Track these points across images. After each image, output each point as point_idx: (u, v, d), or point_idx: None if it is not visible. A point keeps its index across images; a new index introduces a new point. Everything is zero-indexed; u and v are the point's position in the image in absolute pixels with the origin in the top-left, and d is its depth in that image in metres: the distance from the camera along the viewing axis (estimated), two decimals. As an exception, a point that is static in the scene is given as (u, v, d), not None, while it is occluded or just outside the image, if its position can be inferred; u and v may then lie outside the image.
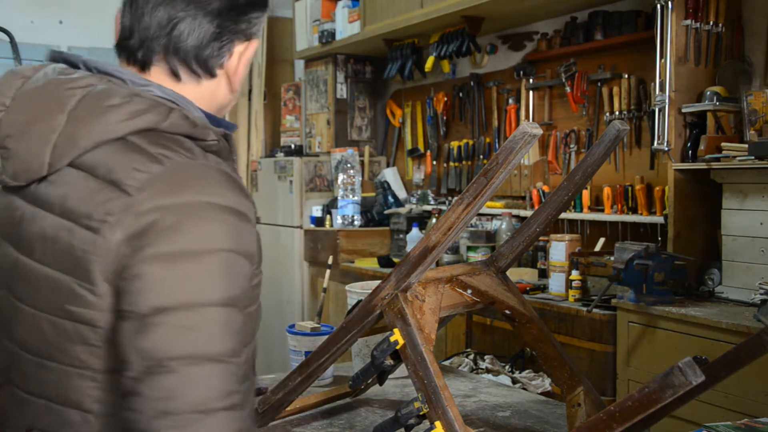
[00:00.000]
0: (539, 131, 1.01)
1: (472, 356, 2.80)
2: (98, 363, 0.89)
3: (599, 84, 3.25)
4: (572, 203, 3.20)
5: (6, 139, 0.93)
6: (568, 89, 3.35)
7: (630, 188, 3.05)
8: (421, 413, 1.11)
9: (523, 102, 3.65)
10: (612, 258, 2.58)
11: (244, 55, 1.06)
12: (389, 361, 1.19)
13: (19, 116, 0.93)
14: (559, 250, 2.88)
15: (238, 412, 0.85)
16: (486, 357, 2.79)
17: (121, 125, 0.90)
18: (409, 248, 3.74)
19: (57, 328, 0.89)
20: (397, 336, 1.15)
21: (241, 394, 0.86)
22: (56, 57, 1.03)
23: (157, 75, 1.02)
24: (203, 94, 1.04)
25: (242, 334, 0.88)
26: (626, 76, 3.12)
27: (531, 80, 3.60)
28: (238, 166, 4.79)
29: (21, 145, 0.92)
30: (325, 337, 1.41)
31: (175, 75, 1.02)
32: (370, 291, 1.25)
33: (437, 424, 1.08)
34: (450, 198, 4.07)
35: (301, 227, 4.33)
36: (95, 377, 0.89)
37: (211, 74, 1.03)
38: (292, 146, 4.70)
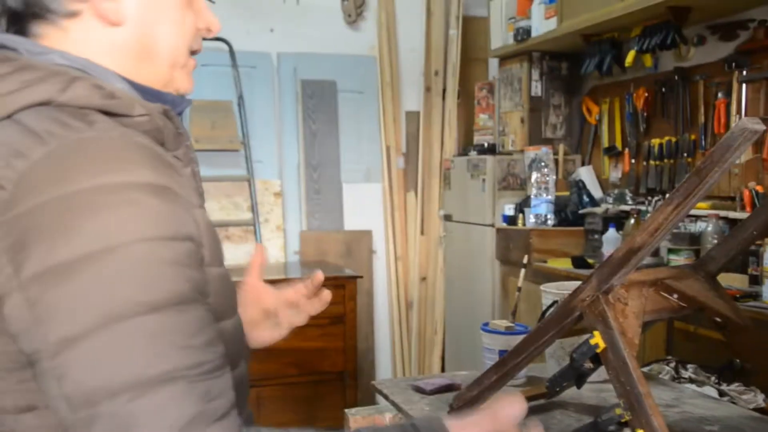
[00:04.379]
0: (762, 127, 0.94)
1: (673, 364, 2.65)
2: None
3: (825, 74, 2.96)
4: (791, 205, 2.94)
5: None
6: (788, 81, 3.08)
7: None
8: (622, 420, 1.07)
9: (734, 96, 3.40)
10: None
11: None
12: (588, 365, 1.16)
13: None
14: (774, 255, 2.66)
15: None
16: (689, 366, 2.63)
17: (7, 100, 0.72)
18: (605, 249, 3.62)
19: None
20: (597, 339, 1.12)
21: (210, 412, 0.68)
22: None
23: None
24: (88, 49, 0.81)
25: (194, 336, 0.68)
26: None
27: (744, 72, 3.34)
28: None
29: None
30: (519, 337, 1.40)
31: (28, 33, 0.81)
32: (566, 291, 1.23)
33: (640, 432, 1.04)
34: (649, 198, 3.88)
35: (493, 225, 4.33)
36: None
37: (65, 12, 0.79)
38: (485, 144, 4.70)
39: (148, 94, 0.83)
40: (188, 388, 0.66)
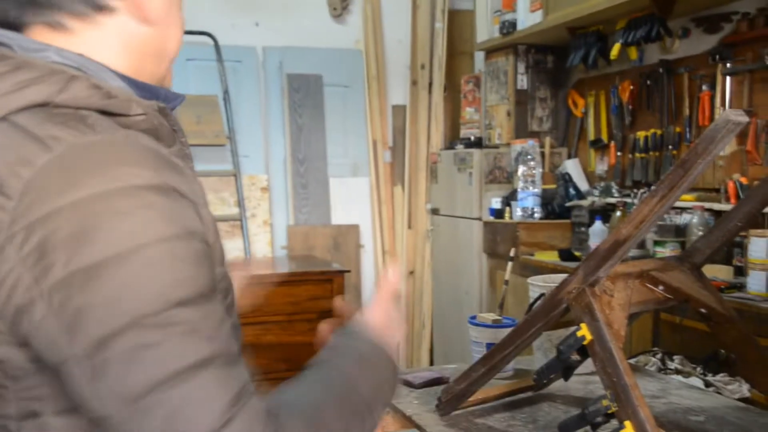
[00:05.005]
0: (745, 119, 0.95)
1: (659, 356, 2.67)
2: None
3: (808, 66, 2.98)
4: (775, 196, 2.95)
5: None
6: (771, 73, 3.10)
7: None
8: (609, 411, 1.08)
9: (718, 88, 3.42)
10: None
11: None
12: (575, 357, 1.17)
13: None
14: (759, 246, 2.68)
15: (247, 407, 0.69)
16: (675, 357, 2.65)
17: (3, 101, 0.70)
18: (591, 242, 3.63)
19: None
20: (584, 331, 1.13)
21: (246, 390, 0.71)
22: None
23: (43, 34, 0.78)
24: (112, 45, 0.79)
25: (220, 324, 0.71)
26: (841, 56, 2.83)
27: (728, 65, 3.36)
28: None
29: None
30: (507, 330, 1.40)
31: (55, 24, 0.77)
32: (553, 284, 1.24)
33: (627, 424, 1.04)
34: (635, 190, 3.89)
35: (480, 219, 4.33)
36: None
37: (98, 6, 0.77)
38: (472, 138, 4.70)
39: (144, 90, 0.81)
40: (224, 371, 0.69)
